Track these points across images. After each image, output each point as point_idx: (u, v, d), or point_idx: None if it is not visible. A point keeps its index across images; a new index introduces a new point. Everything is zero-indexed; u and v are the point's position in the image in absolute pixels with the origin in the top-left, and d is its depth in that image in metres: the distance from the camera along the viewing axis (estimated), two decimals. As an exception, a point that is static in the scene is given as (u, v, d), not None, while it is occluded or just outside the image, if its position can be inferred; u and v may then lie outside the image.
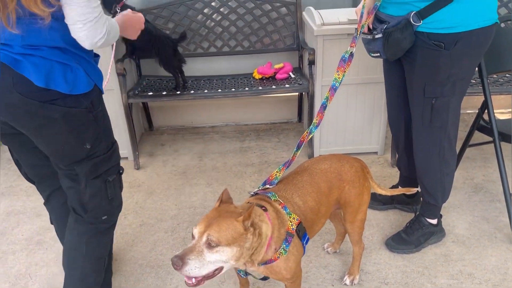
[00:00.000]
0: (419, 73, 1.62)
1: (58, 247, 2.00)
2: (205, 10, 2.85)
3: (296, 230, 1.34)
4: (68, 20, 1.15)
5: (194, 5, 2.83)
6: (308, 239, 1.41)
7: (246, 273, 1.41)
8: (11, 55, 1.17)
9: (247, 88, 2.63)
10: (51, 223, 1.68)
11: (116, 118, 2.54)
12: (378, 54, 1.65)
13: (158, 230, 2.10)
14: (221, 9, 2.85)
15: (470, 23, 1.47)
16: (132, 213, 2.23)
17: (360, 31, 1.63)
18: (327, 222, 1.97)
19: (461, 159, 2.22)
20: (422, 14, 1.49)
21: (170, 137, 3.08)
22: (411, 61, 1.63)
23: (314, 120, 1.56)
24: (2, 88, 1.18)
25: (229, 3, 2.84)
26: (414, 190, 1.80)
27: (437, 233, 1.92)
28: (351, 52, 1.57)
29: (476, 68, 1.77)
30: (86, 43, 1.18)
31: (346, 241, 1.87)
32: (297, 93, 3.06)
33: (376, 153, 2.68)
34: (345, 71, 1.57)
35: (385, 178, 2.45)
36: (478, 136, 2.09)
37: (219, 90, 2.63)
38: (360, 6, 1.67)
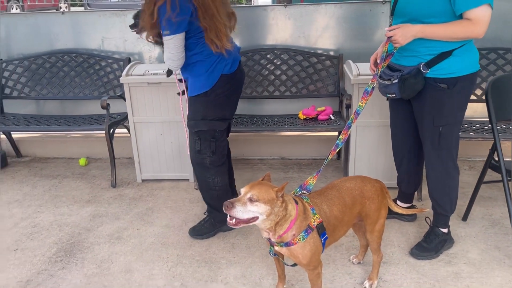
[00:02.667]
0: (429, 108, 2.08)
1: (133, 242, 2.51)
2: (261, 61, 3.42)
3: (316, 226, 1.73)
4: None
5: (253, 56, 3.42)
6: (326, 238, 1.76)
7: (275, 253, 1.81)
8: None
9: (292, 126, 3.11)
10: None
11: (180, 145, 3.08)
12: (394, 95, 2.12)
13: (212, 237, 2.54)
14: (275, 61, 3.41)
15: (463, 70, 1.99)
16: (191, 222, 2.69)
17: (381, 70, 2.08)
18: (354, 240, 2.34)
19: (476, 194, 2.52)
20: (429, 64, 1.99)
21: (224, 165, 3.58)
22: (421, 100, 2.09)
23: (340, 137, 1.98)
24: None
25: (281, 56, 3.40)
26: (426, 210, 2.15)
27: (449, 240, 2.33)
28: (372, 86, 2.02)
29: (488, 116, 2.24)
30: None
31: (368, 255, 2.22)
32: (336, 133, 3.49)
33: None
34: (367, 101, 2.01)
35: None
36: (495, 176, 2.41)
37: (269, 126, 3.13)
38: (380, 51, 2.15)
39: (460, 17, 1.89)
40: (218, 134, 2.35)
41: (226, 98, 2.33)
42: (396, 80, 2.06)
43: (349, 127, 2.00)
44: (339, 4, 3.36)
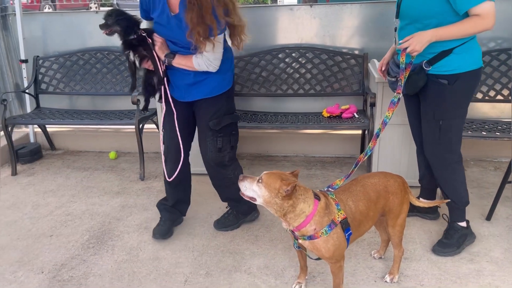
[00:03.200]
0: (430, 102, 2.17)
1: (162, 231, 2.61)
2: (287, 59, 3.48)
3: (340, 222, 1.78)
4: None
5: (278, 55, 3.48)
6: (350, 233, 1.82)
7: (298, 246, 1.87)
8: None
9: (316, 123, 3.16)
10: None
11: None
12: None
13: (236, 229, 2.62)
14: (300, 59, 3.46)
15: (463, 67, 2.06)
16: (215, 215, 2.78)
17: (404, 82, 2.10)
18: (376, 236, 2.38)
19: (501, 194, 2.52)
20: (431, 62, 2.06)
21: (248, 162, 3.66)
22: (425, 95, 2.16)
23: (370, 145, 2.03)
24: None
25: (306, 54, 3.45)
26: (447, 201, 2.22)
27: (470, 234, 2.35)
28: (398, 98, 2.05)
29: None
30: None
31: (389, 251, 2.25)
32: (360, 132, 3.51)
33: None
34: (393, 111, 2.05)
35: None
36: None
37: (293, 124, 3.19)
38: (387, 57, 2.32)
39: (464, 15, 1.95)
40: (236, 127, 2.43)
41: (233, 90, 2.46)
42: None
43: (378, 136, 2.04)
44: (364, 3, 3.39)
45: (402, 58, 2.05)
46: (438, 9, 1.98)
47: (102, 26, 2.13)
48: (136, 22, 2.16)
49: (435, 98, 2.14)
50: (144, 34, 2.14)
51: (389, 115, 2.04)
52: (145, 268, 2.28)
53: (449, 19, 1.97)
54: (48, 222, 2.77)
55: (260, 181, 1.71)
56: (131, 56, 2.19)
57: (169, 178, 2.40)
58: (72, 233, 2.64)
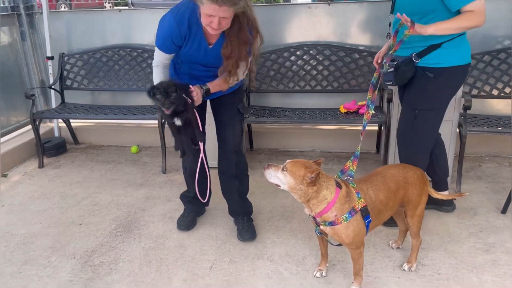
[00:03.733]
0: (412, 91, 2.30)
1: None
2: (304, 56, 3.57)
3: (360, 209, 1.86)
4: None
5: (296, 52, 3.57)
6: (370, 221, 1.89)
7: (320, 232, 1.96)
8: None
9: (333, 119, 3.24)
10: None
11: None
12: (391, 82, 2.29)
13: (257, 219, 2.71)
14: (317, 56, 3.54)
15: (450, 61, 2.17)
16: (237, 206, 2.87)
17: (391, 54, 2.19)
18: (392, 228, 2.45)
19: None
20: (420, 54, 2.18)
21: (266, 156, 3.75)
22: (410, 85, 2.29)
23: (369, 96, 2.08)
24: None
25: (324, 52, 3.53)
26: (465, 194, 2.30)
27: (448, 205, 2.65)
28: (377, 79, 2.17)
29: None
30: None
31: (407, 241, 2.32)
32: (376, 128, 3.58)
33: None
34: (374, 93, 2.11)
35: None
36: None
37: (311, 119, 3.27)
38: (383, 51, 2.46)
39: (457, 13, 2.06)
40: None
41: None
42: (391, 69, 2.25)
43: (375, 86, 2.11)
44: (380, 2, 3.45)
45: (394, 50, 2.14)
46: (432, 6, 2.09)
47: (161, 103, 2.03)
48: (186, 89, 2.10)
49: (417, 89, 2.27)
50: (189, 101, 2.10)
51: (370, 97, 2.11)
52: (171, 255, 2.39)
53: (442, 16, 2.08)
54: (77, 211, 2.89)
55: (284, 169, 1.80)
56: (178, 122, 2.15)
57: (191, 172, 2.51)
58: (100, 221, 2.76)
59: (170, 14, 2.08)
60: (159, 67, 2.23)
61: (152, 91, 2.02)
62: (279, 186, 1.84)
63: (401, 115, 2.44)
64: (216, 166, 2.57)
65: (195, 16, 2.03)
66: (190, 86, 2.11)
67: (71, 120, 4.07)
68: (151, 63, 3.75)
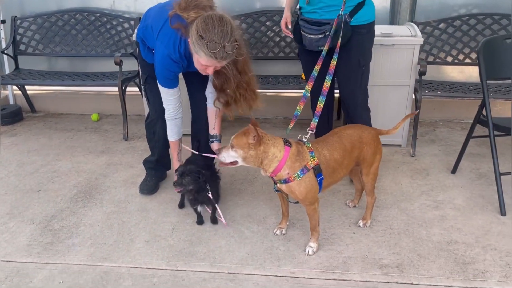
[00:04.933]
0: (355, 51, 2.40)
1: (148, 185, 2.71)
2: (267, 23, 3.55)
3: (313, 167, 1.93)
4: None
5: (259, 18, 3.54)
6: (322, 178, 1.96)
7: (278, 190, 2.03)
8: None
9: (295, 85, 3.27)
10: None
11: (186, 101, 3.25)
12: (323, 47, 2.30)
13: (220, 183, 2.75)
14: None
15: (372, 16, 2.42)
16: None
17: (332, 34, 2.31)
18: (350, 188, 2.54)
19: (465, 149, 2.73)
20: (351, 14, 2.31)
21: (229, 124, 3.75)
22: (349, 45, 2.35)
23: (298, 107, 2.28)
24: None
25: (287, 18, 3.52)
26: (416, 112, 2.77)
27: None
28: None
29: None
30: None
31: (362, 200, 2.43)
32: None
33: (399, 145, 3.20)
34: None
35: (404, 163, 2.97)
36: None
37: (274, 85, 3.29)
38: (288, 16, 2.57)
39: None
40: None
41: None
42: (328, 32, 2.31)
43: (305, 98, 2.29)
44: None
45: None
46: None
47: (175, 184, 2.17)
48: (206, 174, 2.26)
49: (358, 47, 2.42)
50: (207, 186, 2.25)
51: (299, 109, 2.25)
52: (134, 218, 2.40)
53: None
54: (35, 179, 2.83)
55: (232, 146, 1.88)
56: (199, 208, 2.32)
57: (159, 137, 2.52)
58: (60, 188, 2.71)
59: (168, 57, 2.07)
60: (170, 120, 2.30)
61: (177, 169, 2.22)
62: (237, 163, 1.91)
63: (347, 78, 2.51)
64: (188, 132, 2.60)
65: (188, 49, 2.03)
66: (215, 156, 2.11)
67: (27, 87, 3.92)
68: (110, 28, 3.70)
